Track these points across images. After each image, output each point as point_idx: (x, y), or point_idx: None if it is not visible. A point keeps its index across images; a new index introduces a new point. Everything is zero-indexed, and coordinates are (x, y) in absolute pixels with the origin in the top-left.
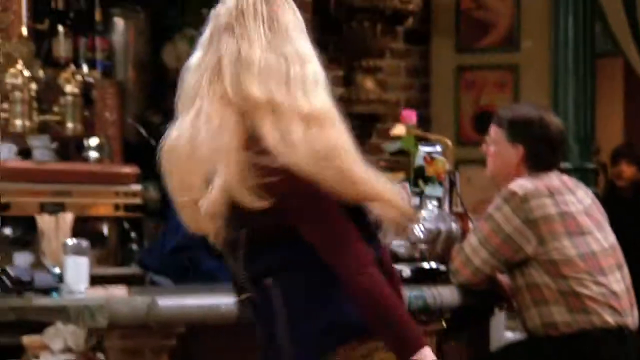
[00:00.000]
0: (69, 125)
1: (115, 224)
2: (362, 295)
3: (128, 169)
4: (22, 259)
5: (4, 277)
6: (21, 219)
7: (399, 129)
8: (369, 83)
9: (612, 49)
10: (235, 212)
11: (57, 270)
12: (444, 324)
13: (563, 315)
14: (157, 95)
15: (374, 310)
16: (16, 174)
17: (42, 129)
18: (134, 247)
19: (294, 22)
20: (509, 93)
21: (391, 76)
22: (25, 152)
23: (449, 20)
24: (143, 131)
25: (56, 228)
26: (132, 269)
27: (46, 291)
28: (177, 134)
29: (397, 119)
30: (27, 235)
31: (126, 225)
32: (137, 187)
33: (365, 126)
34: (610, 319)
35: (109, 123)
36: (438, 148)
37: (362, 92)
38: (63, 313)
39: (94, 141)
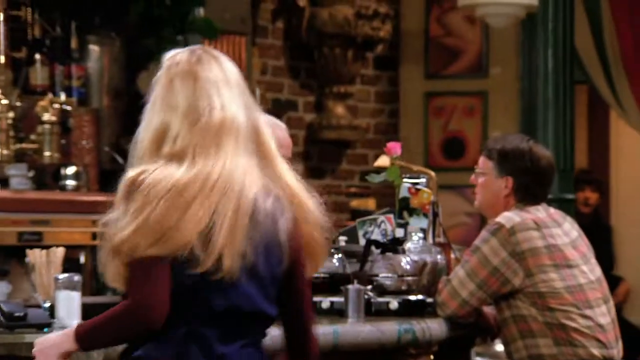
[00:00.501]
0: (46, 153)
1: (91, 252)
2: None
3: (105, 197)
4: None
5: None
6: None
7: (383, 160)
8: (339, 109)
9: (579, 78)
10: None
11: (47, 304)
12: (431, 357)
13: (549, 348)
14: (132, 123)
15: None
16: None
17: (19, 157)
18: None
19: (216, 76)
20: (477, 119)
21: (361, 102)
22: (2, 182)
23: (418, 46)
24: (119, 159)
25: (47, 262)
26: (110, 298)
27: (38, 326)
28: None
29: (366, 145)
30: (5, 264)
31: None
32: None
33: (336, 152)
34: (596, 351)
35: (86, 151)
36: (422, 179)
37: (333, 118)
38: None
39: (71, 169)
